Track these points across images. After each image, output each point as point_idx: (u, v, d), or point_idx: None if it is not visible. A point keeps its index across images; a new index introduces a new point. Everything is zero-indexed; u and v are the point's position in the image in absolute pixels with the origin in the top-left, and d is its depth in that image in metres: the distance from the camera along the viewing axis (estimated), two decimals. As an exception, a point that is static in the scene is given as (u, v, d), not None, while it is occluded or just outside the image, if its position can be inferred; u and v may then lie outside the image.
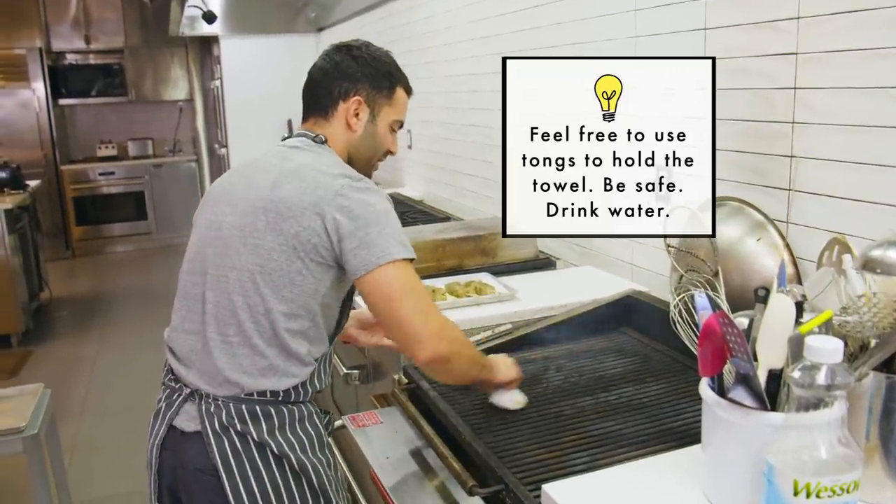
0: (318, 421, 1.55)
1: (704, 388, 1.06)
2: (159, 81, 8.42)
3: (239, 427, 1.45)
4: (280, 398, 1.48)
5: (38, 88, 7.51)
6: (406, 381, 1.78)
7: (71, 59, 8.12)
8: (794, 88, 1.56)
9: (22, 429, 2.45)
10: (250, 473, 1.45)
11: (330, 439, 1.61)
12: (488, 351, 1.83)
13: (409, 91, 1.69)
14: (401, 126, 1.70)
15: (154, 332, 5.53)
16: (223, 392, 1.47)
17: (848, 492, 0.85)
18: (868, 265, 1.06)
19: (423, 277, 2.27)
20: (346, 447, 1.79)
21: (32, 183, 6.03)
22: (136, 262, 7.79)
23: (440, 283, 2.20)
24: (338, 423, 1.77)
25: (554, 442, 1.38)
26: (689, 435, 1.35)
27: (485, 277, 2.26)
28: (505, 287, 2.16)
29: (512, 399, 1.53)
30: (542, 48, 2.62)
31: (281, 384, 1.47)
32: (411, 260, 1.45)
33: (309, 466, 1.48)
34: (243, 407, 1.45)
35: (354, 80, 1.59)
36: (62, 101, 8.01)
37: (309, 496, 1.49)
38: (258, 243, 1.46)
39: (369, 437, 1.61)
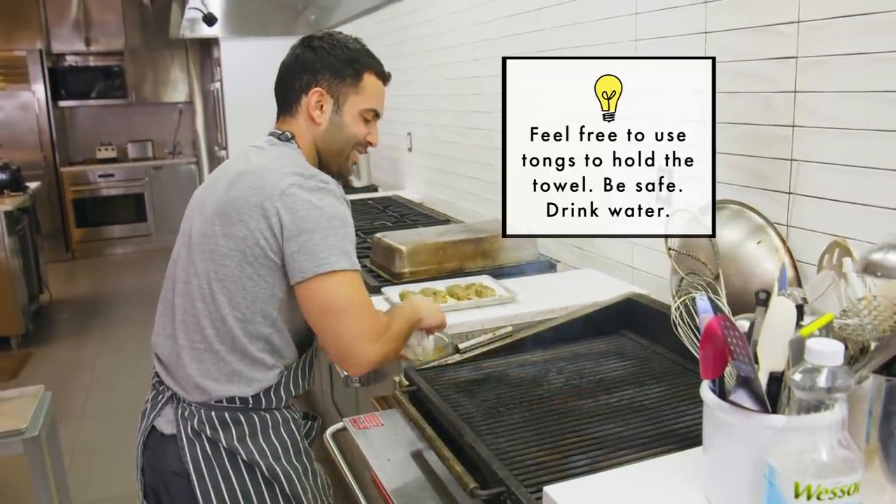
0: (294, 428, 1.53)
1: (705, 390, 1.06)
2: (159, 83, 8.42)
3: (209, 433, 1.45)
4: (250, 405, 1.46)
5: (39, 90, 7.51)
6: (407, 383, 1.78)
7: (71, 60, 8.13)
8: (795, 92, 1.56)
9: (23, 430, 2.45)
10: (221, 480, 1.44)
11: (309, 447, 1.60)
12: (489, 355, 1.84)
13: (383, 77, 1.61)
14: (376, 115, 1.62)
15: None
16: (195, 398, 1.47)
17: (848, 494, 0.85)
18: (868, 268, 1.06)
19: (424, 280, 2.29)
20: (347, 449, 1.78)
21: (32, 185, 6.04)
22: (136, 264, 7.78)
23: (441, 285, 2.20)
24: (338, 425, 1.77)
25: (555, 444, 1.39)
26: (689, 437, 1.35)
27: (485, 280, 2.26)
28: (505, 289, 2.16)
29: (420, 345, 1.46)
30: (543, 51, 2.63)
31: (247, 390, 1.45)
32: (355, 270, 1.41)
33: (281, 474, 1.47)
34: (213, 413, 1.45)
35: (314, 71, 1.54)
36: (62, 103, 8.02)
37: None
38: (213, 249, 1.44)
39: (370, 439, 1.61)
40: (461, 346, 1.90)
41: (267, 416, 1.49)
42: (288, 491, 1.47)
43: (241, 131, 6.40)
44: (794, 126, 1.58)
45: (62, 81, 7.94)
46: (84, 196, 7.99)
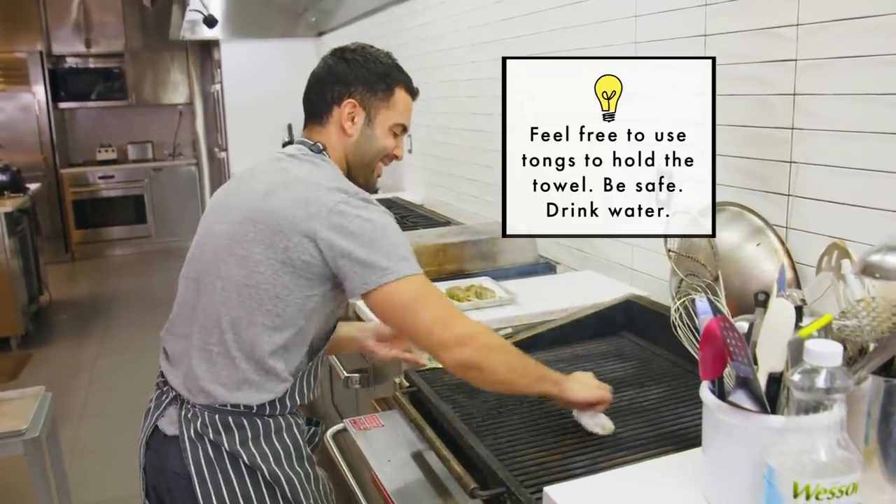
0: (297, 433, 1.52)
1: (705, 391, 1.06)
2: (159, 85, 8.43)
3: (212, 436, 1.44)
4: (254, 411, 1.46)
5: (39, 92, 7.51)
6: (407, 384, 1.78)
7: (71, 62, 8.13)
8: (794, 94, 1.57)
9: (23, 431, 2.45)
10: (222, 482, 1.44)
11: (312, 452, 1.59)
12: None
13: (412, 92, 1.63)
14: (404, 130, 1.63)
15: (153, 335, 5.52)
16: (199, 400, 1.46)
17: (847, 494, 0.86)
18: (867, 270, 1.07)
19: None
20: (348, 450, 1.79)
21: (32, 186, 6.04)
22: (136, 266, 7.79)
23: (441, 287, 2.20)
24: (339, 426, 1.77)
25: (555, 444, 1.39)
26: (689, 438, 1.36)
27: (485, 281, 2.27)
28: (505, 291, 2.16)
29: (595, 422, 1.41)
30: (542, 53, 2.63)
31: (255, 399, 1.45)
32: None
33: (283, 478, 1.47)
34: (217, 417, 1.45)
35: (347, 83, 1.55)
36: (62, 105, 8.02)
37: None
38: (245, 255, 1.43)
39: (370, 440, 1.62)
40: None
41: (270, 420, 1.48)
42: (289, 495, 1.47)
43: (241, 133, 6.40)
44: (793, 128, 1.59)
45: (62, 83, 7.94)
46: (84, 197, 7.99)
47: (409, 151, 4.29)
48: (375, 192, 4.72)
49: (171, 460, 1.48)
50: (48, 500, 2.54)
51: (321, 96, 1.57)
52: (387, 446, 1.60)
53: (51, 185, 7.67)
